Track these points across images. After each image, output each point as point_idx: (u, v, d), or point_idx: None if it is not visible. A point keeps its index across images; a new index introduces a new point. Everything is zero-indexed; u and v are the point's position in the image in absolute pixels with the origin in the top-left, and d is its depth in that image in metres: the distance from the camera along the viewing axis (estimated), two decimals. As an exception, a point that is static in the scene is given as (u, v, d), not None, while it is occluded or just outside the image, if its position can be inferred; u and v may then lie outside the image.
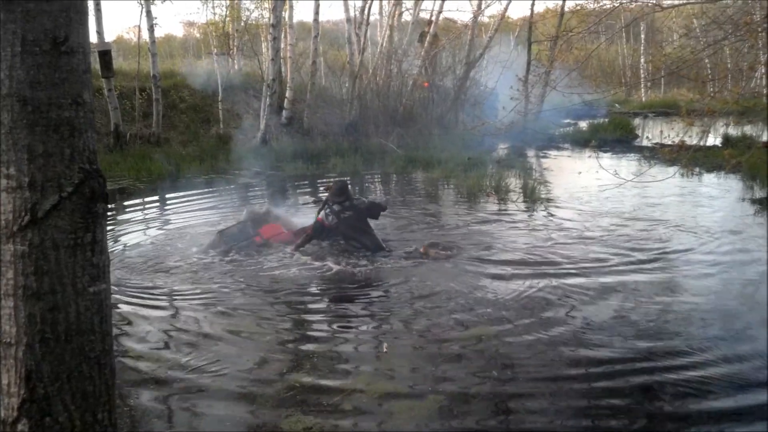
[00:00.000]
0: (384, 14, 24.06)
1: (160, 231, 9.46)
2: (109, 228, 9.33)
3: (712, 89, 11.67)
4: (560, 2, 21.31)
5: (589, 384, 4.34)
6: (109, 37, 30.41)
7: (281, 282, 6.79)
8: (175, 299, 6.32)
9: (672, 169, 10.89)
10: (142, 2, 18.01)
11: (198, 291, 6.53)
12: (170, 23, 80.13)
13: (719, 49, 12.24)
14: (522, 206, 10.57)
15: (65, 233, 2.09)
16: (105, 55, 16.47)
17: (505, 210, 10.37)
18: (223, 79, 19.41)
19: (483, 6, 22.41)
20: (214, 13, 23.61)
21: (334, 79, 22.56)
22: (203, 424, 3.94)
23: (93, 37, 17.02)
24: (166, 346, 5.14)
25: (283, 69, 20.21)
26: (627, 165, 15.05)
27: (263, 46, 23.64)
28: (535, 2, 20.94)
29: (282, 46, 19.42)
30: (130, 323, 5.64)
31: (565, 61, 20.64)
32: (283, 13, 18.85)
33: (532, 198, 10.95)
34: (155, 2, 18.71)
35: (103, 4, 17.09)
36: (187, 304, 6.16)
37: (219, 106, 19.14)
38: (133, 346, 5.11)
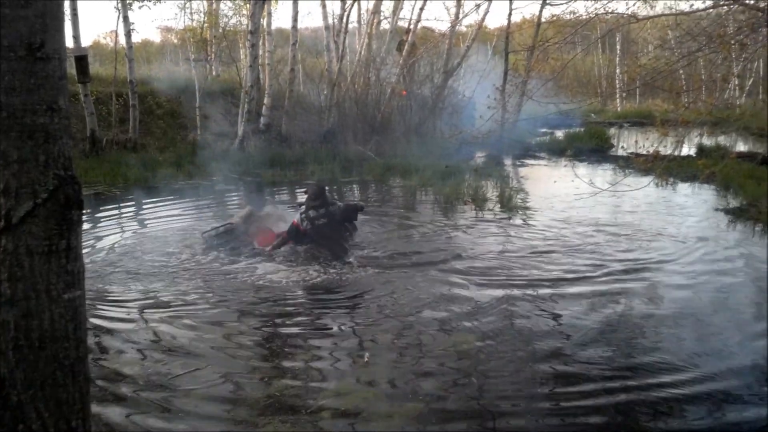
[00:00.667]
0: (362, 22, 24.11)
1: (134, 237, 9.38)
2: (83, 234, 9.25)
3: (686, 100, 11.84)
4: (537, 13, 21.48)
5: (565, 395, 4.37)
6: (85, 42, 30.16)
7: (258, 290, 6.77)
8: (148, 308, 6.27)
9: (647, 179, 11.02)
10: (119, 7, 17.89)
11: (172, 299, 6.50)
12: (148, 29, 79.47)
13: (693, 60, 12.40)
14: (499, 215, 10.62)
15: (39, 240, 2.07)
16: (81, 60, 16.32)
17: (483, 218, 10.42)
18: (200, 85, 19.34)
19: (461, 15, 22.51)
20: (192, 19, 23.55)
21: (313, 86, 22.54)
22: (176, 427, 3.92)
23: (69, 42, 16.86)
24: (139, 356, 5.08)
25: (261, 76, 20.16)
26: (602, 174, 15.19)
27: (241, 52, 23.62)
28: (512, 12, 21.02)
29: (260, 52, 19.39)
30: (102, 333, 5.58)
31: (542, 71, 20.83)
32: (262, 19, 18.82)
33: (509, 206, 11.02)
34: (132, 7, 18.56)
35: (80, 8, 16.96)
36: (160, 312, 6.12)
37: (196, 112, 19.04)
38: (106, 357, 5.07)
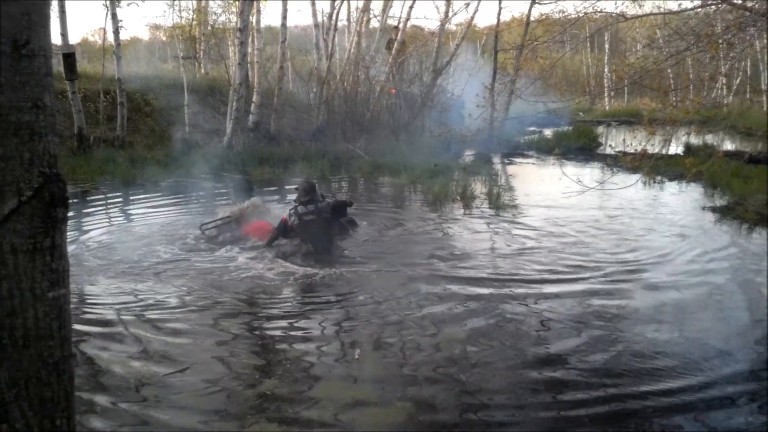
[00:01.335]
0: (352, 20, 24.11)
1: (119, 235, 9.33)
2: (68, 232, 9.22)
3: (674, 99, 11.90)
4: (526, 12, 21.53)
5: (553, 394, 4.38)
6: (73, 39, 30.00)
7: (244, 288, 6.76)
8: (133, 307, 6.24)
9: (634, 177, 11.07)
10: (108, 4, 17.79)
11: (157, 297, 6.48)
12: (136, 26, 79.11)
13: (681, 59, 12.47)
14: (488, 213, 10.64)
15: (24, 238, 2.06)
16: (69, 57, 16.22)
17: (471, 217, 10.43)
18: (189, 83, 19.26)
19: (450, 14, 22.53)
20: (181, 17, 23.48)
21: (302, 84, 22.53)
22: (163, 427, 3.91)
23: (57, 39, 16.78)
24: (125, 354, 5.06)
25: (250, 74, 20.12)
26: (590, 173, 15.25)
27: (230, 50, 23.54)
28: (502, 11, 21.05)
29: (249, 50, 19.33)
30: (84, 333, 5.55)
31: (531, 69, 20.89)
32: (251, 17, 18.77)
33: (497, 204, 11.03)
34: (121, 5, 18.46)
35: (67, 5, 16.83)
36: (145, 310, 6.10)
37: (185, 110, 18.97)
38: (94, 354, 5.05)
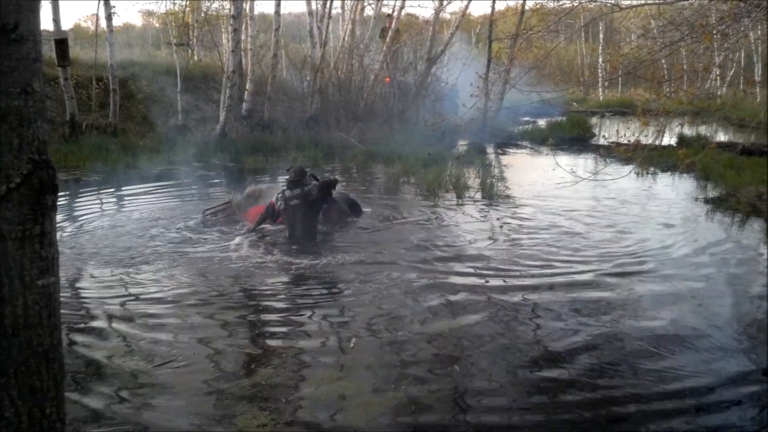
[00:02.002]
0: (346, 8, 23.99)
1: (110, 222, 9.28)
2: (59, 219, 9.19)
3: (668, 89, 11.89)
4: (520, 1, 21.49)
5: (550, 385, 4.38)
6: (66, 25, 29.78)
7: (237, 277, 6.75)
8: (123, 296, 6.22)
9: (627, 168, 11.07)
10: (100, -10, 17.66)
11: (147, 287, 6.46)
12: (129, 12, 78.70)
13: (675, 50, 12.45)
14: (481, 203, 10.63)
15: (13, 225, 2.04)
16: (61, 43, 16.12)
17: (464, 207, 10.42)
18: (182, 70, 19.16)
19: (444, 2, 22.46)
20: (174, 3, 23.26)
21: (295, 72, 22.44)
22: (156, 419, 3.90)
23: (49, 25, 16.68)
24: (119, 343, 5.04)
25: (243, 61, 20.01)
26: (584, 163, 15.28)
27: (224, 37, 23.41)
28: (496, 1, 21.01)
29: (243, 38, 19.23)
30: (82, 320, 5.53)
31: (525, 59, 20.84)
32: (244, 4, 18.67)
33: (490, 194, 11.03)
34: (113, -10, 18.34)
35: (59, -10, 16.68)
36: (135, 300, 6.09)
37: (178, 98, 18.88)
38: (83, 341, 5.03)
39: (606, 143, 17.64)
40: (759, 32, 23.51)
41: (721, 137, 19.30)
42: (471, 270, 6.94)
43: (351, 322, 5.46)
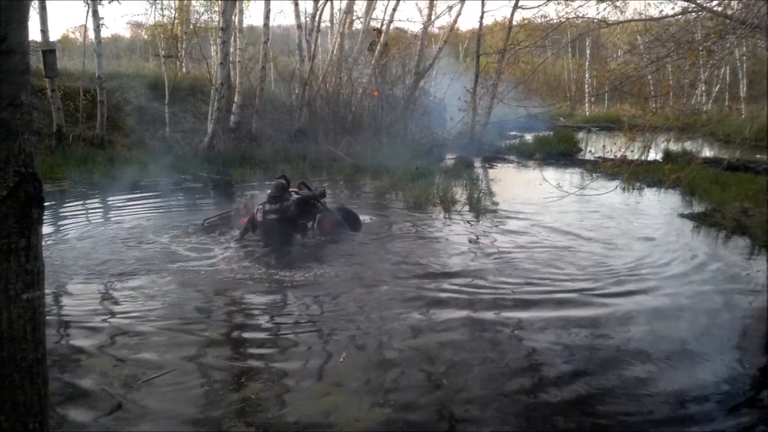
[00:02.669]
0: (335, 22, 24.07)
1: (97, 235, 9.21)
2: (45, 232, 9.12)
3: (654, 105, 11.98)
4: (509, 16, 21.62)
5: (537, 401, 4.37)
6: (54, 36, 29.67)
7: (224, 289, 6.71)
8: (108, 310, 6.18)
9: (614, 183, 11.12)
10: (89, 2, 17.61)
11: (132, 300, 6.42)
12: (117, 24, 78.40)
13: (661, 66, 12.57)
14: (468, 218, 10.63)
15: (-2, 238, 2.03)
16: (49, 54, 16.06)
17: (451, 221, 10.42)
18: (170, 81, 19.11)
19: (433, 17, 22.56)
20: (163, 15, 23.27)
21: (284, 85, 22.43)
22: (138, 429, 3.86)
23: (37, 36, 16.62)
24: (99, 359, 4.98)
25: (231, 73, 20.00)
26: (570, 178, 15.33)
27: (212, 49, 23.41)
28: (484, 15, 21.15)
29: (231, 50, 19.23)
30: (65, 335, 5.47)
31: (512, 74, 20.96)
32: (233, 17, 18.68)
33: (477, 209, 11.04)
34: (102, 2, 18.29)
35: (48, 2, 16.65)
36: (120, 313, 6.04)
37: (165, 110, 18.82)
38: (70, 357, 4.98)
39: (592, 158, 17.72)
40: (744, 49, 23.77)
41: (707, 153, 19.46)
42: (458, 285, 6.92)
43: (339, 336, 5.44)
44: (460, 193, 12.42)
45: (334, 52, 21.69)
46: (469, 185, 13.65)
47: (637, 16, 17.77)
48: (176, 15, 22.75)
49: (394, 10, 21.95)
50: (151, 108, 19.59)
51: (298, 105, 20.39)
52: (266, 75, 21.60)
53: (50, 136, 16.62)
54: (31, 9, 20.67)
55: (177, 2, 23.88)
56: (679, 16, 11.99)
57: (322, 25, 22.95)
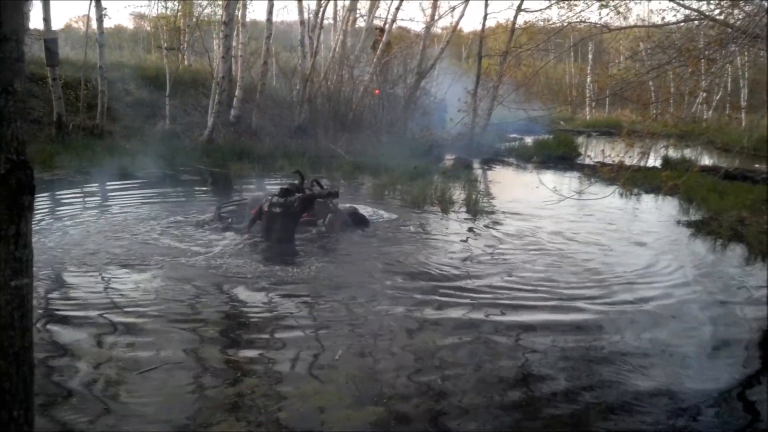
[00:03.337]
0: (338, 19, 24.07)
1: (93, 225, 9.17)
2: (43, 220, 9.12)
3: (654, 112, 12.00)
4: (511, 18, 21.63)
5: (532, 405, 4.36)
6: (56, 25, 29.66)
7: (220, 283, 6.70)
8: (102, 300, 6.17)
9: (611, 189, 11.13)
10: (92, -9, 17.60)
11: (126, 290, 6.40)
12: (121, 15, 78.43)
13: (662, 72, 12.60)
14: (465, 219, 10.63)
15: (-13, 225, 2.03)
16: (51, 43, 16.06)
17: (449, 222, 10.42)
18: (171, 74, 19.11)
19: (436, 17, 22.58)
20: (166, 7, 23.23)
21: (285, 80, 22.43)
22: (132, 425, 3.86)
23: (39, 25, 16.62)
24: (92, 350, 4.96)
25: (233, 68, 20.02)
26: (569, 182, 15.35)
27: (214, 43, 23.40)
28: (487, 17, 21.17)
29: (233, 44, 19.24)
30: (52, 324, 5.46)
31: (514, 76, 20.99)
32: (236, 11, 18.69)
33: (475, 210, 11.05)
34: (105, -8, 18.29)
35: (51, -10, 16.62)
36: (113, 305, 6.03)
37: (166, 102, 18.82)
38: (58, 348, 4.98)
39: (591, 163, 17.74)
40: (746, 58, 23.82)
41: (706, 161, 19.48)
42: (454, 287, 6.89)
43: (335, 334, 5.41)
44: (458, 194, 12.42)
45: (337, 50, 21.70)
46: (467, 186, 13.65)
47: (639, 23, 17.81)
48: (179, 7, 22.72)
49: (398, 9, 21.94)
50: (151, 100, 19.59)
51: (298, 101, 20.39)
52: (268, 70, 21.61)
53: (50, 124, 16.61)
54: (34, -2, 20.69)
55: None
56: (681, 24, 12.03)
57: (325, 22, 22.99)
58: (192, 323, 5.56)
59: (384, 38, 21.43)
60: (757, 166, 16.82)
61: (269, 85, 22.66)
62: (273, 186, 12.71)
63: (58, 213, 9.87)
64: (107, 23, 19.76)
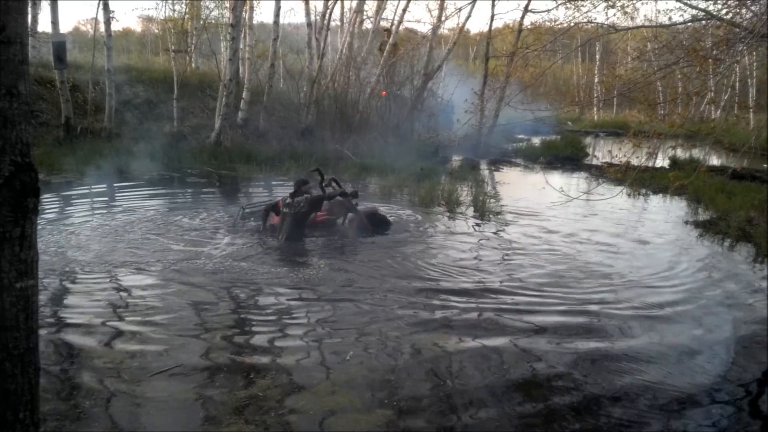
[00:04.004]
0: (345, 21, 24.11)
1: (100, 226, 9.19)
2: (48, 221, 9.16)
3: (662, 112, 11.97)
4: (518, 19, 21.62)
5: (543, 408, 4.34)
6: (65, 28, 29.76)
7: (230, 285, 6.71)
8: (113, 301, 6.19)
9: (619, 189, 11.10)
10: (100, -5, 17.66)
11: (141, 293, 6.42)
12: (128, 18, 78.63)
13: (669, 73, 12.56)
14: (472, 221, 10.59)
15: (-7, 226, 2.04)
16: (59, 46, 16.15)
17: (456, 223, 10.39)
18: (179, 76, 19.16)
19: (442, 18, 22.58)
20: (173, 10, 23.31)
21: (292, 82, 22.48)
22: (142, 427, 3.86)
23: (48, 28, 16.71)
24: (104, 351, 4.98)
25: (240, 70, 20.07)
26: (576, 182, 15.31)
27: (222, 45, 23.47)
28: (494, 18, 21.17)
29: (241, 46, 19.29)
30: (62, 327, 5.48)
31: (521, 77, 20.98)
32: (243, 13, 18.74)
33: (482, 211, 11.02)
34: (113, -5, 18.38)
35: (59, -7, 16.72)
36: (124, 306, 6.05)
37: (174, 104, 18.88)
38: (72, 346, 4.99)
39: (599, 163, 17.70)
40: (754, 57, 23.70)
41: (714, 161, 19.42)
42: (462, 288, 6.87)
43: (344, 336, 5.38)
44: (465, 195, 12.40)
45: (344, 51, 21.74)
46: (474, 187, 13.64)
47: (647, 23, 17.78)
48: (187, 10, 22.79)
49: (404, 10, 21.97)
50: (159, 102, 19.67)
51: (305, 103, 20.42)
52: (275, 72, 21.67)
53: (58, 127, 16.71)
54: (42, 1, 20.76)
55: (188, -2, 23.96)
56: (689, 24, 11.99)
57: (332, 23, 23.04)
58: (200, 326, 5.56)
59: (391, 39, 21.45)
60: (765, 165, 16.75)
61: (276, 87, 22.72)
62: (279, 187, 12.79)
63: (65, 215, 9.91)
64: (115, 26, 19.85)
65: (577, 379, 4.70)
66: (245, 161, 15.87)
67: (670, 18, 13.46)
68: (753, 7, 10.19)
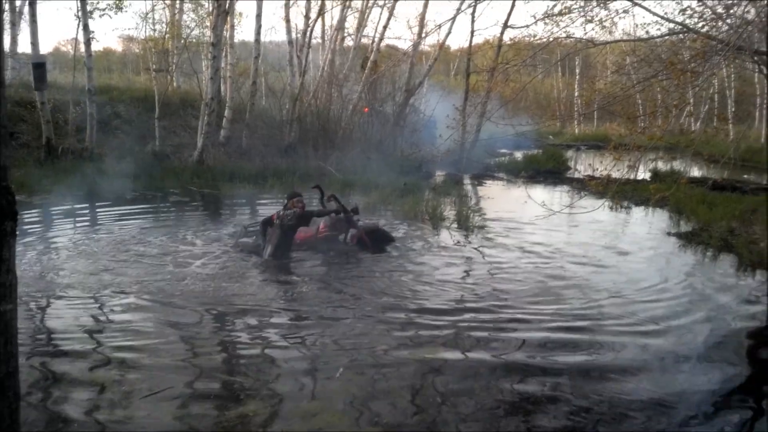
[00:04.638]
0: (326, 38, 24.21)
1: (82, 247, 9.13)
2: (31, 243, 9.08)
3: (641, 125, 12.08)
4: (497, 35, 21.78)
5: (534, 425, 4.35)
6: (44, 49, 29.71)
7: (216, 303, 6.67)
8: (98, 321, 6.14)
9: (600, 202, 11.16)
10: (80, 15, 17.63)
11: (126, 314, 6.37)
12: (109, 38, 78.49)
13: (648, 86, 12.70)
14: (456, 235, 10.58)
15: (-30, 251, 2.02)
16: (39, 67, 16.10)
17: (439, 238, 10.39)
18: (160, 96, 19.14)
19: (423, 34, 22.72)
20: (154, 30, 23.33)
21: (274, 100, 22.50)
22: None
23: (27, 48, 16.66)
24: (89, 375, 4.93)
25: (222, 88, 20.08)
26: (559, 196, 15.40)
27: (203, 64, 23.49)
28: (474, 34, 21.33)
29: (222, 65, 19.31)
30: (54, 350, 5.42)
31: (502, 92, 21.13)
32: (225, 32, 18.77)
33: (466, 226, 11.04)
34: (93, 16, 18.35)
35: (39, 14, 16.69)
36: (108, 326, 6.01)
37: (155, 124, 18.83)
38: (53, 373, 4.94)
39: (580, 176, 17.81)
40: (732, 70, 24.03)
41: (695, 172, 19.61)
42: (448, 304, 6.83)
43: (333, 354, 5.33)
44: (448, 210, 12.42)
45: (325, 68, 21.82)
46: (457, 202, 13.67)
47: (625, 37, 18.00)
48: (167, 29, 22.81)
49: (385, 27, 22.12)
50: (141, 122, 19.63)
51: (288, 120, 20.44)
52: (257, 90, 21.71)
53: (39, 148, 16.63)
54: (21, 22, 20.71)
55: (168, 17, 23.98)
56: (666, 37, 12.13)
57: (314, 41, 23.12)
58: (187, 347, 5.52)
59: (372, 56, 21.55)
60: (745, 176, 16.94)
61: (258, 105, 22.74)
62: (263, 206, 12.76)
63: (46, 237, 9.83)
64: (95, 46, 19.82)
65: (563, 394, 4.70)
66: (228, 179, 15.85)
67: (647, 32, 13.57)
68: (728, 21, 10.34)
